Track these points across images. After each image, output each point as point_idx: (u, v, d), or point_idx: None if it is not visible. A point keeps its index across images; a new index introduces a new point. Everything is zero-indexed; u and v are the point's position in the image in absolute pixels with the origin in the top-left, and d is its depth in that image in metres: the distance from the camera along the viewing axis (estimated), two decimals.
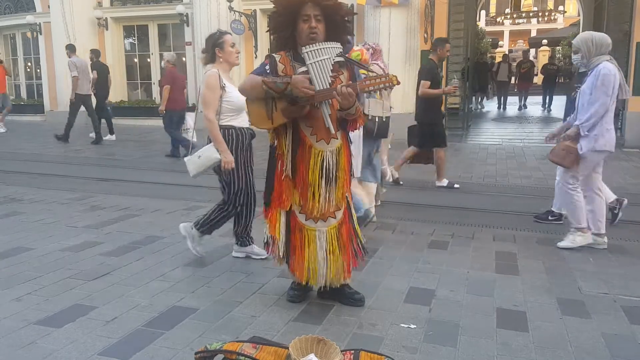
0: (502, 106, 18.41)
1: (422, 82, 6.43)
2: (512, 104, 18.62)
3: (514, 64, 20.22)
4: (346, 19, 2.96)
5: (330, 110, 2.89)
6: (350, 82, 2.95)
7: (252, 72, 3.01)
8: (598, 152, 4.25)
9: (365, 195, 4.70)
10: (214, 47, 3.79)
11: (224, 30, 3.93)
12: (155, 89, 15.46)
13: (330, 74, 2.84)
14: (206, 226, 3.94)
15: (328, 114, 2.86)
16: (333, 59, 2.85)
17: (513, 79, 20.07)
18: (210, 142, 3.74)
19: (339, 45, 2.89)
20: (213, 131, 3.68)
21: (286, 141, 2.96)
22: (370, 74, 3.03)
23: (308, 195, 2.95)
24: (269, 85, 2.81)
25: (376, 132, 4.76)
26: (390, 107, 5.05)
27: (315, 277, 3.04)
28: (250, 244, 4.06)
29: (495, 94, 19.39)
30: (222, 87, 3.71)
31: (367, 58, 4.91)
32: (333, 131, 2.90)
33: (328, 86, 2.82)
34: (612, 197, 5.08)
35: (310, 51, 2.81)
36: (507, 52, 22.42)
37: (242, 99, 3.45)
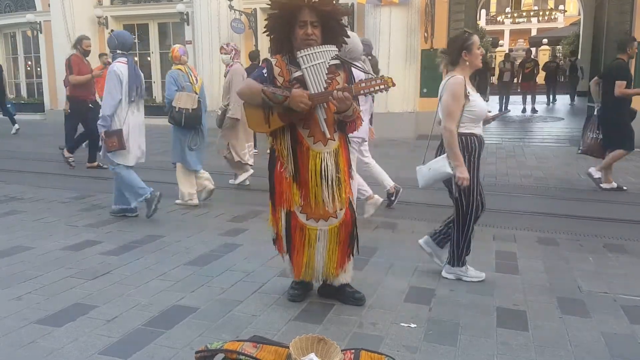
0: (504, 108, 17.22)
1: (617, 82, 6.23)
2: (513, 103, 17.56)
3: (517, 62, 19.73)
4: (343, 21, 2.99)
5: (327, 113, 2.91)
6: (347, 83, 2.96)
7: (250, 76, 3.03)
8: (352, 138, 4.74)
9: (183, 178, 5.68)
10: (462, 50, 3.42)
11: (470, 31, 3.57)
12: (156, 88, 15.46)
13: (326, 78, 2.86)
14: (456, 252, 3.58)
15: (323, 118, 2.89)
16: (328, 62, 2.87)
17: (515, 79, 19.70)
18: (443, 153, 3.44)
19: (334, 47, 2.92)
20: (452, 144, 3.33)
21: (285, 143, 2.97)
22: (369, 75, 3.04)
23: (310, 197, 2.97)
24: (268, 96, 2.83)
25: (184, 122, 5.42)
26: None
27: (311, 273, 3.09)
28: (464, 264, 3.62)
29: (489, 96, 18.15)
30: (467, 96, 3.36)
31: (178, 55, 5.65)
32: (328, 135, 2.92)
33: (323, 90, 2.84)
34: (391, 183, 5.58)
35: (305, 55, 2.83)
36: (508, 52, 21.54)
37: (484, 107, 3.44)
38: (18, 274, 3.65)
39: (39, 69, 16.52)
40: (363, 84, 2.85)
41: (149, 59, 15.54)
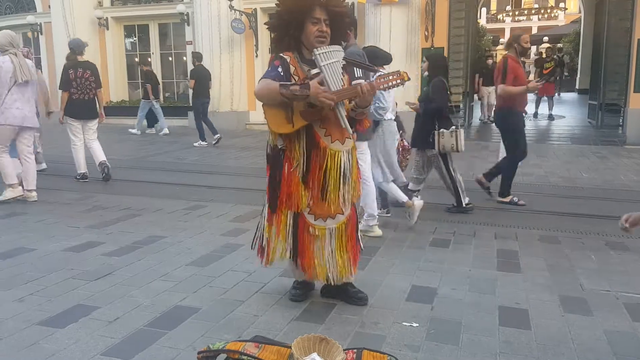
0: None
1: None
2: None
3: (530, 61, 18.61)
4: (349, 24, 3.04)
5: (345, 111, 2.91)
6: (350, 84, 2.97)
7: (265, 75, 2.92)
8: (2, 125, 5.66)
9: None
10: None
11: None
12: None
13: (342, 76, 2.87)
14: None
15: (344, 114, 2.87)
16: (341, 62, 2.88)
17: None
18: None
19: (341, 48, 2.94)
20: None
21: (300, 143, 2.93)
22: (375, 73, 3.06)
23: (324, 196, 2.96)
24: (287, 95, 2.77)
25: None
26: None
27: (324, 273, 3.05)
28: None
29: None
30: None
31: None
32: (350, 131, 2.92)
33: (341, 88, 2.84)
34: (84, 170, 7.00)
35: (323, 53, 2.81)
36: None
37: None
38: (20, 276, 3.65)
39: (39, 71, 16.52)
40: (382, 79, 2.89)
41: (149, 59, 15.54)
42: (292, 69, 2.92)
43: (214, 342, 2.39)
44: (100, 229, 4.81)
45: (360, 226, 4.29)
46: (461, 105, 13.08)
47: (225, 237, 4.53)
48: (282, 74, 2.89)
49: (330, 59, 2.82)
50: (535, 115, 14.79)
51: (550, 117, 14.39)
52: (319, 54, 2.80)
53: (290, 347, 2.25)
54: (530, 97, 16.41)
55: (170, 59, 15.51)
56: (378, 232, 4.64)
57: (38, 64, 16.49)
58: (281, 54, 2.97)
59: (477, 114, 15.27)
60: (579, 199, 6.07)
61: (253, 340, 2.38)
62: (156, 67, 15.39)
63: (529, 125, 13.77)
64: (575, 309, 3.11)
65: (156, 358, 2.56)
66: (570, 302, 3.22)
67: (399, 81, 2.88)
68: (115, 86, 15.25)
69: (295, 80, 2.89)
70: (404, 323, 2.93)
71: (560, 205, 5.74)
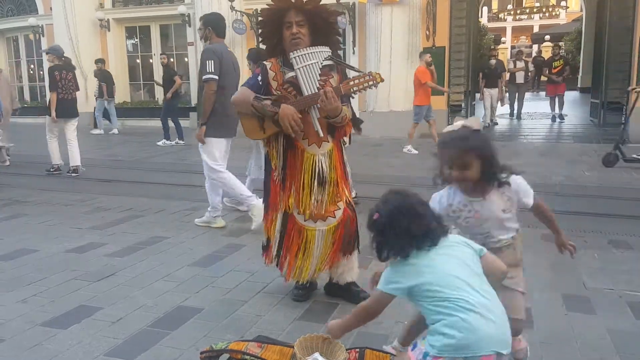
0: (516, 114, 14.83)
1: None
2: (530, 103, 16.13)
3: (529, 60, 18.51)
4: (331, 20, 3.00)
5: (320, 113, 2.90)
6: (341, 84, 2.94)
7: (245, 83, 3.02)
8: None
9: None
10: None
11: None
12: (158, 90, 15.48)
13: (318, 78, 2.86)
14: None
15: (317, 117, 2.88)
16: (321, 63, 2.87)
17: (534, 78, 17.94)
18: None
19: (327, 49, 2.92)
20: None
21: (277, 147, 2.98)
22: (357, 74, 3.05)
23: (301, 198, 2.97)
24: (257, 110, 2.87)
25: None
26: None
27: (304, 275, 3.09)
28: None
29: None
30: None
31: None
32: (322, 134, 2.91)
33: (316, 90, 2.84)
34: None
35: (298, 56, 2.84)
36: (519, 49, 19.59)
37: None
38: (23, 277, 3.66)
39: (41, 73, 16.57)
40: (352, 82, 2.86)
41: (150, 61, 15.56)
42: (271, 74, 2.95)
43: (217, 342, 2.39)
44: (102, 230, 4.82)
45: (203, 218, 4.84)
46: (463, 105, 13.07)
47: (227, 238, 4.53)
48: (260, 82, 2.94)
49: (306, 62, 2.83)
50: (554, 118, 13.87)
51: (553, 118, 13.82)
52: (294, 57, 2.84)
53: (292, 347, 2.25)
54: (533, 97, 16.53)
55: (171, 60, 15.51)
56: (221, 223, 4.86)
57: (40, 66, 16.58)
58: (264, 61, 3.02)
59: (480, 112, 15.20)
60: (582, 197, 6.06)
61: (256, 340, 2.39)
62: (157, 68, 15.41)
63: (531, 124, 13.76)
64: (579, 308, 3.11)
65: (159, 358, 2.56)
66: (573, 300, 3.21)
67: (371, 83, 2.84)
68: (117, 88, 15.24)
69: (274, 86, 2.93)
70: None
71: (562, 203, 5.72)
